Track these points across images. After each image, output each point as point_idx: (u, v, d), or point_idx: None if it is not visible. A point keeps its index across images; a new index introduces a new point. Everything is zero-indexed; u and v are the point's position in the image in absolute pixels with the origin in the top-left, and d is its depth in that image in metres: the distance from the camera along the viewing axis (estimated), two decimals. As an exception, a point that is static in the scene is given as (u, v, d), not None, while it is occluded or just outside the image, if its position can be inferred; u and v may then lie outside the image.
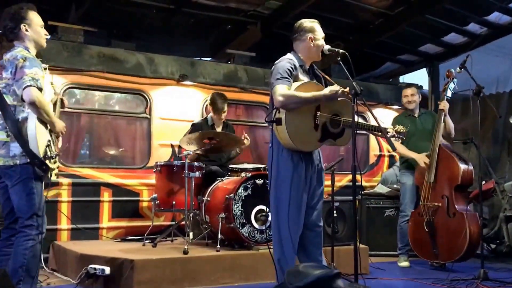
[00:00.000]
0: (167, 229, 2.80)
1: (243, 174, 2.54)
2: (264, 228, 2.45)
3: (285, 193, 1.72)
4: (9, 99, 1.70)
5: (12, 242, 1.71)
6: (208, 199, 2.59)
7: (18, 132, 1.65)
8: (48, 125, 1.74)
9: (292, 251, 1.71)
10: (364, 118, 3.73)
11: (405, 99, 3.02)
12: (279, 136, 1.73)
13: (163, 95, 3.24)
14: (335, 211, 2.70)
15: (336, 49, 1.79)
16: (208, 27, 3.82)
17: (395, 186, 3.35)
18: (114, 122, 3.26)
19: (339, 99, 1.84)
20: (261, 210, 2.45)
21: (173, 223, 2.90)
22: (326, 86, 1.89)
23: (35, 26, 1.75)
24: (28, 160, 1.67)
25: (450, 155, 2.73)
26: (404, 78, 4.84)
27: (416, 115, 3.00)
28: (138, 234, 2.82)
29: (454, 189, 2.67)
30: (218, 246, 2.38)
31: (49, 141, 1.74)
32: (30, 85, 1.63)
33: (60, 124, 1.79)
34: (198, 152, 2.78)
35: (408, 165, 2.92)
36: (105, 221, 3.00)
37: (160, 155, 3.15)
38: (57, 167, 1.84)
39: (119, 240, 2.90)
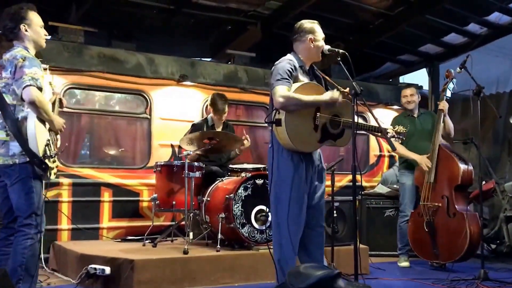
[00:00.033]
0: (167, 229, 2.80)
1: (243, 174, 2.54)
2: (264, 228, 2.45)
3: (285, 193, 1.72)
4: (8, 99, 1.71)
5: (11, 242, 1.71)
6: (208, 199, 2.59)
7: (18, 131, 1.66)
8: (47, 124, 1.74)
9: (292, 251, 1.71)
10: (364, 118, 3.74)
11: (405, 99, 3.02)
12: (278, 137, 1.73)
13: (163, 96, 3.25)
14: (335, 211, 2.70)
15: (336, 49, 1.79)
16: (208, 27, 3.82)
17: (395, 186, 3.35)
18: (115, 122, 3.26)
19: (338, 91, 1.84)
20: (261, 210, 2.45)
21: (173, 223, 2.90)
22: (326, 87, 1.89)
23: (34, 26, 1.76)
24: (27, 159, 1.67)
25: (450, 155, 2.73)
26: (404, 78, 4.84)
27: (415, 115, 3.00)
28: (138, 234, 2.82)
29: (454, 189, 2.67)
30: (218, 246, 2.38)
31: (49, 140, 1.75)
32: (30, 85, 1.64)
33: (59, 122, 1.79)
34: (198, 152, 2.79)
35: (408, 165, 2.92)
36: (105, 221, 3.00)
37: (160, 155, 3.16)
38: (56, 166, 1.85)
39: (119, 240, 2.90)
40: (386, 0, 3.49)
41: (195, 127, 2.89)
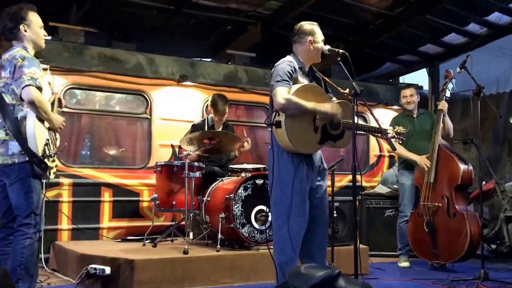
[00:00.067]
0: (167, 229, 2.80)
1: (243, 174, 2.54)
2: (264, 228, 2.45)
3: (286, 195, 1.71)
4: (8, 98, 1.71)
5: (11, 241, 1.72)
6: (208, 199, 2.59)
7: (17, 131, 1.66)
8: (47, 124, 1.75)
9: (293, 253, 1.70)
10: (364, 119, 3.74)
11: (404, 99, 3.02)
12: (279, 139, 1.73)
13: (164, 96, 3.25)
14: (335, 211, 2.70)
15: (336, 49, 1.79)
16: (208, 27, 3.82)
17: (395, 186, 3.34)
18: (115, 123, 3.27)
19: (338, 101, 1.84)
20: (261, 210, 2.45)
21: (173, 223, 2.90)
22: (325, 89, 1.89)
23: (34, 27, 1.76)
24: (27, 159, 1.68)
25: (450, 155, 2.73)
26: (404, 79, 4.84)
27: (414, 115, 3.00)
28: (138, 234, 2.83)
29: (454, 189, 2.67)
30: (218, 246, 2.38)
31: (48, 139, 1.75)
32: (29, 84, 1.64)
33: (58, 120, 1.80)
34: (198, 152, 2.79)
35: (407, 165, 2.92)
36: (106, 221, 3.00)
37: (161, 155, 3.16)
38: (56, 166, 1.85)
39: (120, 240, 2.90)
40: (386, 0, 3.49)
41: (195, 128, 2.89)
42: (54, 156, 1.78)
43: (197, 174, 2.57)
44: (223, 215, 2.42)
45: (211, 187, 2.65)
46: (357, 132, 1.72)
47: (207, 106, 3.18)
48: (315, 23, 1.86)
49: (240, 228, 2.41)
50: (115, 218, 3.02)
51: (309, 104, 1.70)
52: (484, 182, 3.04)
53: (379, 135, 1.96)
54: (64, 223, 2.86)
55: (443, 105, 2.76)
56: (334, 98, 1.87)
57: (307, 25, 1.84)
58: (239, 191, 2.43)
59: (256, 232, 2.44)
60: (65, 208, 2.88)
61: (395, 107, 4.01)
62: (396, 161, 3.69)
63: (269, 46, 3.74)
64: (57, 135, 1.86)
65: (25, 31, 1.74)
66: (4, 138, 1.70)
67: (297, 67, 1.78)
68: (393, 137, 1.89)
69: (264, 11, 3.61)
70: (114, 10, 3.41)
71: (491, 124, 3.98)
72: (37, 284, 2.12)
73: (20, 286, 1.65)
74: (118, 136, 3.30)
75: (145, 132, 3.23)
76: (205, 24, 3.74)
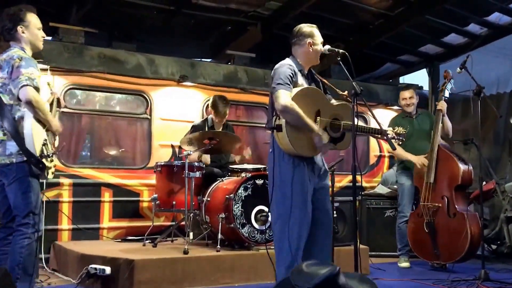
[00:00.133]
0: (167, 229, 2.80)
1: (243, 175, 2.54)
2: (264, 228, 2.45)
3: (287, 198, 1.71)
4: (5, 98, 1.72)
5: (10, 241, 1.72)
6: (208, 199, 2.60)
7: (15, 131, 1.67)
8: (44, 124, 1.75)
9: (293, 255, 1.69)
10: (364, 119, 3.74)
11: (403, 101, 3.01)
12: (279, 142, 1.72)
13: (164, 96, 3.25)
14: (335, 212, 2.70)
15: (336, 49, 1.79)
16: (208, 28, 3.82)
17: (395, 186, 3.34)
18: (115, 123, 3.27)
19: (338, 103, 1.84)
20: (261, 211, 2.46)
21: (173, 223, 2.90)
22: (324, 91, 1.89)
23: (32, 28, 1.77)
24: (25, 159, 1.68)
25: (450, 156, 2.72)
26: (404, 79, 4.84)
27: (413, 116, 3.00)
28: (139, 234, 2.83)
29: (454, 190, 2.67)
30: (218, 246, 2.38)
31: (46, 139, 1.75)
32: (27, 85, 1.65)
33: (56, 124, 1.80)
34: (198, 153, 2.79)
35: (406, 166, 2.92)
36: (106, 221, 3.00)
37: (161, 155, 3.16)
38: (54, 166, 1.85)
39: (120, 240, 2.90)
40: (386, 1, 3.49)
41: (195, 128, 2.89)
42: (52, 156, 1.78)
43: (197, 174, 2.57)
44: (223, 215, 2.42)
45: (211, 187, 2.65)
46: (357, 133, 1.72)
47: (207, 106, 3.19)
48: (314, 25, 1.86)
49: (240, 228, 2.41)
50: (115, 218, 3.03)
51: (307, 120, 1.70)
52: (484, 183, 3.03)
53: (379, 136, 1.96)
54: (64, 223, 2.86)
55: (442, 105, 2.76)
56: (333, 100, 1.87)
57: (306, 27, 1.84)
58: (239, 191, 2.43)
59: (256, 232, 2.44)
60: (65, 208, 2.88)
61: (395, 107, 4.01)
62: (396, 161, 3.70)
63: (269, 47, 3.74)
64: (56, 135, 1.86)
65: (23, 32, 1.75)
66: (2, 138, 1.71)
67: (296, 70, 1.78)
68: (393, 137, 1.89)
69: (264, 12, 3.61)
70: (114, 11, 3.42)
71: (491, 124, 3.98)
72: (37, 284, 2.13)
73: (18, 286, 1.65)
74: (118, 136, 3.30)
75: (145, 132, 3.23)
76: (205, 25, 3.74)
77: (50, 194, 2.76)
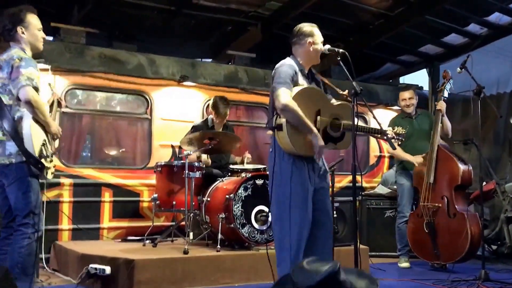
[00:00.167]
0: (168, 229, 2.80)
1: (243, 175, 2.55)
2: (264, 228, 2.45)
3: (287, 198, 1.71)
4: (5, 99, 1.72)
5: (11, 241, 1.72)
6: (208, 199, 2.60)
7: (14, 131, 1.67)
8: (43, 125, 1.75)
9: (295, 256, 1.68)
10: (364, 119, 3.74)
11: (403, 102, 3.01)
12: (280, 142, 1.72)
13: (164, 96, 3.26)
14: (335, 212, 2.70)
15: (336, 49, 1.79)
16: (209, 28, 3.83)
17: (395, 187, 3.34)
18: (115, 123, 3.27)
19: (338, 103, 1.85)
20: (261, 211, 2.46)
21: (173, 223, 2.90)
22: (325, 90, 1.90)
23: (32, 29, 1.77)
24: (24, 159, 1.68)
25: (450, 156, 2.73)
26: (404, 79, 4.84)
27: (413, 116, 3.00)
28: (139, 235, 2.83)
29: (454, 190, 2.67)
30: (218, 246, 2.38)
31: (45, 140, 1.76)
32: (26, 85, 1.66)
33: (55, 127, 1.81)
34: (198, 155, 2.80)
35: (405, 166, 2.93)
36: (106, 221, 3.01)
37: (161, 155, 3.16)
38: (54, 166, 1.86)
39: (120, 240, 2.91)
40: (386, 1, 3.49)
41: (195, 129, 2.89)
42: (51, 157, 1.78)
43: (197, 174, 2.57)
44: (223, 215, 2.42)
45: (211, 187, 2.65)
46: (357, 133, 1.72)
47: (207, 106, 3.19)
48: (315, 24, 1.86)
49: (240, 228, 2.41)
50: (116, 218, 3.03)
51: (307, 120, 1.69)
52: (484, 183, 3.04)
53: (379, 136, 1.96)
54: (65, 223, 2.87)
55: (442, 105, 2.76)
56: (333, 100, 1.87)
57: (306, 26, 1.84)
58: (239, 191, 2.43)
59: (256, 232, 2.44)
60: (66, 208, 2.88)
61: (395, 107, 4.01)
62: (395, 161, 3.70)
63: (269, 47, 3.74)
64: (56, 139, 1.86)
65: (23, 33, 1.75)
66: (1, 139, 1.71)
67: (297, 69, 1.78)
68: (393, 137, 1.89)
69: (264, 12, 3.62)
70: (115, 11, 3.43)
71: (491, 124, 3.98)
72: (37, 284, 2.13)
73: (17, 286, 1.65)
74: (118, 136, 3.31)
75: (145, 133, 3.23)
76: (206, 25, 3.74)
77: (50, 194, 2.76)
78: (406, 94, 3.02)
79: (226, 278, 2.27)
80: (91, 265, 2.14)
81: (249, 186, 2.46)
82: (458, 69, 2.53)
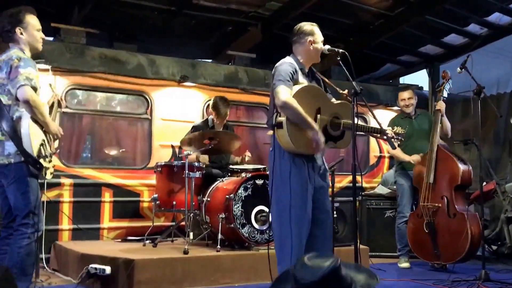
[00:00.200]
0: (168, 229, 2.80)
1: (243, 175, 2.55)
2: (264, 228, 2.45)
3: (287, 197, 1.71)
4: (4, 99, 1.72)
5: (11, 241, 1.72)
6: (208, 199, 2.60)
7: (13, 131, 1.67)
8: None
9: (295, 255, 1.68)
10: (364, 120, 3.74)
11: (402, 102, 3.02)
12: (280, 140, 1.73)
13: (164, 96, 3.26)
14: (335, 212, 2.70)
15: (336, 49, 1.79)
16: (209, 28, 3.83)
17: (395, 187, 3.35)
18: (116, 123, 3.28)
19: (338, 102, 1.85)
20: (261, 211, 2.46)
21: (174, 223, 2.90)
22: (325, 89, 1.90)
23: (31, 29, 1.77)
24: (23, 159, 1.69)
25: (449, 156, 2.73)
26: (404, 79, 4.84)
27: (412, 116, 3.00)
28: (139, 235, 2.83)
29: (454, 190, 2.67)
30: (218, 246, 2.38)
31: (44, 140, 1.76)
32: (24, 84, 1.66)
33: (54, 126, 1.81)
34: (201, 159, 2.81)
35: (404, 166, 2.94)
36: (106, 221, 3.01)
37: (161, 155, 3.16)
38: (53, 166, 1.86)
39: (120, 240, 2.91)
40: (386, 1, 3.49)
41: (195, 129, 2.90)
42: (50, 157, 1.78)
43: (197, 174, 2.57)
44: (223, 215, 2.42)
45: (211, 187, 2.66)
46: (357, 132, 1.72)
47: (207, 107, 3.19)
48: (315, 23, 1.86)
49: (240, 228, 2.41)
50: (116, 218, 3.03)
51: (307, 117, 1.69)
52: (484, 183, 3.03)
53: (379, 135, 1.96)
54: (65, 223, 2.87)
55: (441, 106, 2.77)
56: (333, 99, 1.87)
57: (307, 25, 1.84)
58: (239, 191, 2.43)
59: (256, 232, 2.45)
60: (66, 208, 2.88)
61: (395, 108, 4.00)
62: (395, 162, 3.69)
63: (269, 47, 3.74)
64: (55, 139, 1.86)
65: (21, 34, 1.76)
66: (0, 139, 1.71)
67: (297, 68, 1.79)
68: (392, 137, 1.90)
69: (264, 12, 3.62)
70: (115, 11, 3.43)
71: (491, 124, 3.98)
72: (38, 283, 2.13)
73: None
74: (119, 136, 3.31)
75: (145, 133, 3.24)
76: (206, 25, 3.75)
77: (50, 194, 2.77)
78: (405, 94, 3.02)
79: (226, 278, 2.27)
80: (91, 265, 2.14)
81: (249, 186, 2.46)
82: (458, 69, 2.54)
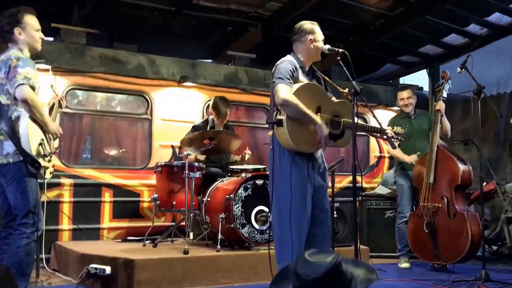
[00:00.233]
0: (168, 229, 2.80)
1: (243, 175, 2.55)
2: (264, 228, 2.45)
3: (287, 195, 1.71)
4: (2, 99, 1.73)
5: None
6: (208, 199, 2.60)
7: (11, 131, 1.67)
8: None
9: (294, 254, 1.68)
10: (364, 120, 3.74)
11: (401, 102, 3.02)
12: (280, 138, 1.73)
13: (164, 96, 3.26)
14: (335, 212, 2.70)
15: (336, 49, 1.79)
16: (209, 28, 3.83)
17: (395, 187, 3.35)
18: (116, 123, 3.28)
19: (338, 100, 1.84)
20: (261, 211, 2.46)
21: (174, 223, 2.90)
22: (325, 87, 1.90)
23: (29, 30, 1.78)
24: (21, 158, 1.69)
25: (449, 156, 2.73)
26: (404, 80, 4.84)
27: (412, 116, 3.00)
28: (139, 235, 2.83)
29: (454, 190, 2.67)
30: (218, 246, 2.38)
31: (43, 139, 1.76)
32: (23, 83, 1.66)
33: (53, 126, 1.81)
34: (199, 157, 2.80)
35: (403, 166, 2.94)
36: (106, 221, 3.01)
37: (161, 156, 3.16)
38: (53, 166, 1.86)
39: (120, 240, 2.91)
40: (386, 1, 3.49)
41: (195, 129, 2.90)
42: (49, 156, 1.78)
43: (197, 174, 2.57)
44: (223, 215, 2.42)
45: (211, 187, 2.66)
46: (357, 132, 1.72)
47: (207, 107, 3.20)
48: (316, 22, 1.86)
49: (240, 229, 2.41)
50: (116, 219, 3.03)
51: (308, 111, 1.70)
52: (485, 183, 3.03)
53: (379, 135, 1.96)
54: (65, 224, 2.87)
55: (441, 106, 2.77)
56: (333, 98, 1.87)
57: (307, 24, 1.84)
58: (239, 191, 2.43)
59: (256, 232, 2.45)
60: (66, 209, 2.89)
61: (395, 108, 4.00)
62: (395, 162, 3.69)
63: (269, 47, 3.74)
64: (55, 138, 1.86)
65: (20, 34, 1.76)
66: None
67: (297, 66, 1.79)
68: (392, 137, 1.90)
69: (264, 12, 3.62)
70: (115, 11, 3.43)
71: (492, 125, 3.97)
72: (38, 284, 2.13)
73: None
74: (119, 136, 3.31)
75: (145, 133, 3.24)
76: (206, 25, 3.75)
77: (51, 194, 2.77)
78: (404, 94, 3.02)
79: (226, 278, 2.27)
80: (91, 265, 2.14)
81: (249, 186, 2.47)
82: (458, 69, 2.54)
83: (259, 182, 2.48)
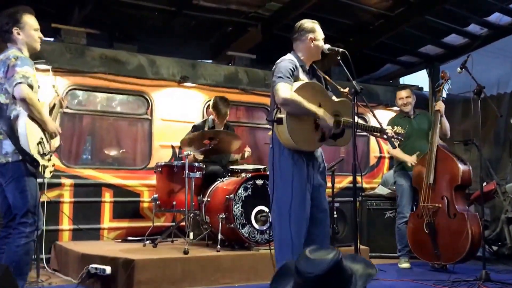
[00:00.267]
0: (168, 229, 2.81)
1: (243, 175, 2.55)
2: (264, 228, 2.45)
3: (287, 193, 1.71)
4: (1, 98, 1.73)
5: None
6: (208, 199, 2.60)
7: (10, 130, 1.68)
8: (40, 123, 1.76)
9: (294, 253, 1.69)
10: (364, 120, 3.74)
11: (400, 101, 3.02)
12: (279, 136, 1.73)
13: (164, 97, 3.26)
14: (335, 212, 2.70)
15: (336, 48, 1.79)
16: (209, 29, 3.84)
17: (395, 187, 3.35)
18: (116, 123, 3.28)
19: (338, 99, 1.84)
20: (261, 211, 2.46)
21: (174, 223, 2.90)
22: (326, 86, 1.90)
23: (28, 29, 1.78)
24: (20, 158, 1.69)
25: (449, 156, 2.73)
26: (404, 80, 4.84)
27: (411, 116, 3.01)
28: (139, 235, 2.83)
29: (454, 190, 2.67)
30: (218, 246, 2.38)
31: (42, 138, 1.76)
32: (21, 82, 1.66)
33: (51, 125, 1.80)
34: (198, 157, 2.80)
35: (403, 167, 2.94)
36: (106, 221, 3.01)
37: (161, 156, 3.17)
38: (53, 165, 1.86)
39: (120, 240, 2.91)
40: (386, 1, 3.50)
41: (196, 129, 2.91)
42: (48, 155, 1.78)
43: (197, 174, 2.58)
44: (223, 215, 2.43)
45: (211, 187, 2.66)
46: (357, 131, 1.72)
47: (207, 107, 3.20)
48: (316, 21, 1.86)
49: (240, 229, 2.41)
50: (116, 219, 3.03)
51: (310, 105, 1.70)
52: (485, 183, 3.03)
53: (379, 134, 1.96)
54: (65, 224, 2.87)
55: (440, 106, 2.77)
56: (334, 97, 1.87)
57: (308, 22, 1.84)
58: (239, 191, 2.44)
59: (256, 232, 2.45)
60: (66, 209, 2.89)
61: (395, 108, 4.00)
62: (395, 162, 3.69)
63: (269, 47, 3.74)
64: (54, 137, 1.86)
65: (18, 34, 1.76)
66: None
67: (298, 65, 1.79)
68: (392, 137, 1.90)
69: (264, 12, 3.62)
70: (116, 12, 3.44)
71: (492, 125, 3.97)
72: (38, 284, 2.13)
73: None
74: (119, 137, 3.32)
75: (145, 133, 3.24)
76: (206, 26, 3.75)
77: (51, 195, 2.77)
78: (403, 93, 3.03)
79: (226, 278, 2.27)
80: (91, 265, 2.14)
81: (249, 186, 2.47)
82: (458, 69, 2.54)
83: (259, 182, 2.48)
